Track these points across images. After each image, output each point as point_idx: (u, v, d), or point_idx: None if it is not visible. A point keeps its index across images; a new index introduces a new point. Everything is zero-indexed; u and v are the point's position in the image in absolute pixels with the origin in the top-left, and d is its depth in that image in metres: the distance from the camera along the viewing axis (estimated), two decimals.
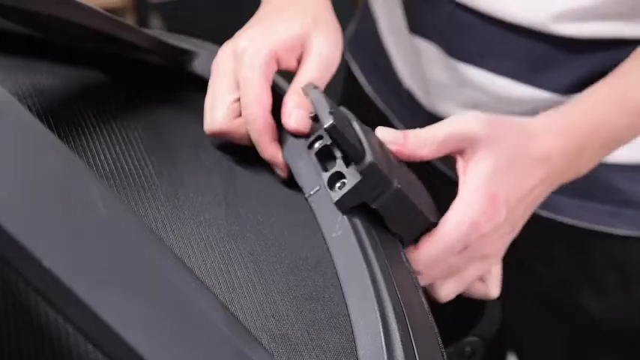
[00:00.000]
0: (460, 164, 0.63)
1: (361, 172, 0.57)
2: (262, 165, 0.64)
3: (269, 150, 0.63)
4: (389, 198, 0.58)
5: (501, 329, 0.75)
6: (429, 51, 0.86)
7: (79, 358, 0.44)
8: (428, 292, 0.66)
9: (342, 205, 0.58)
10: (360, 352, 0.51)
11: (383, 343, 0.50)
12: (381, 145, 0.61)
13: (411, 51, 0.89)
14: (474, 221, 0.61)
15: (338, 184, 0.58)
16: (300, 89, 0.62)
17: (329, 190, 0.59)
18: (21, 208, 0.38)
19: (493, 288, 0.69)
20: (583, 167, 0.70)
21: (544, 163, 0.65)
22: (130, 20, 2.29)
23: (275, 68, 0.64)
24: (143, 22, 2.32)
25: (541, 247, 0.88)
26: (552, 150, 0.65)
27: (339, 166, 0.59)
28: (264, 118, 0.62)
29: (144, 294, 0.40)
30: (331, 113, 0.56)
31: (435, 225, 0.61)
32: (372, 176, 0.57)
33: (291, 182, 0.63)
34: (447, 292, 0.65)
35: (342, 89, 1.07)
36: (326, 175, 0.59)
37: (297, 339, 0.52)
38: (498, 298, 0.71)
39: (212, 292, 0.50)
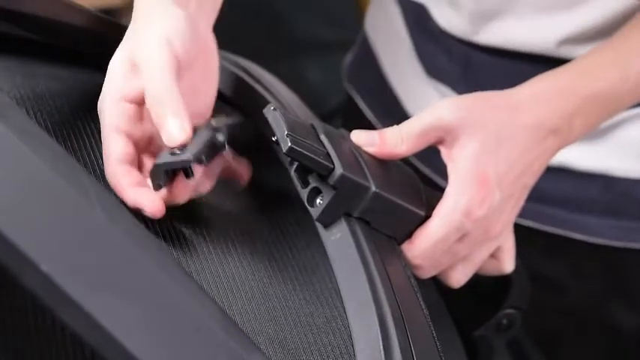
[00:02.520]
0: (444, 153, 0.63)
1: (333, 186, 0.56)
2: (260, 166, 0.64)
3: (130, 194, 0.56)
4: (369, 203, 0.57)
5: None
6: (443, 93, 0.86)
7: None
8: (441, 280, 0.65)
9: (324, 220, 0.58)
10: (359, 356, 0.51)
11: (381, 347, 0.50)
12: (358, 148, 0.61)
13: (424, 95, 0.88)
14: (466, 209, 0.60)
15: (318, 200, 0.58)
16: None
17: (309, 207, 0.58)
18: (19, 213, 0.38)
19: (506, 263, 0.67)
20: (578, 132, 0.67)
21: (538, 130, 0.64)
22: (129, 20, 2.28)
23: (125, 109, 0.58)
24: None
25: (573, 266, 0.87)
26: (544, 115, 0.64)
27: (316, 181, 0.58)
28: (114, 174, 0.56)
29: (141, 298, 0.40)
30: (288, 135, 0.56)
31: (427, 217, 0.61)
32: (345, 187, 0.56)
33: (288, 185, 0.63)
34: (457, 278, 0.65)
35: (344, 117, 1.06)
36: (305, 192, 0.59)
37: (295, 343, 0.52)
38: (523, 266, 0.71)
39: (210, 296, 0.50)
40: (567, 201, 0.83)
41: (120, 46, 0.61)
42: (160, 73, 0.57)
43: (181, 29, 0.59)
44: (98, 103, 0.59)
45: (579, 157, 0.80)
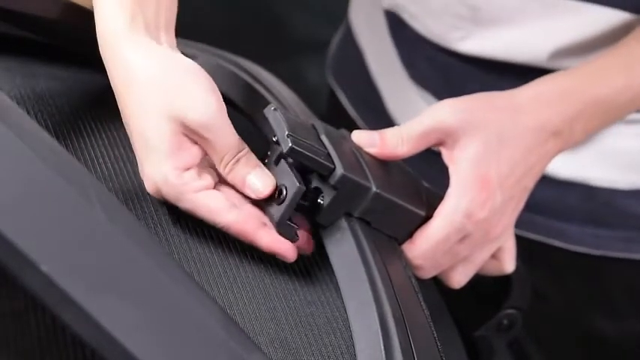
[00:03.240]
0: (445, 154, 0.63)
1: (334, 186, 0.56)
2: None
3: (265, 239, 0.57)
4: (370, 204, 0.57)
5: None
6: (427, 99, 0.86)
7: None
8: (442, 281, 0.65)
9: (325, 220, 0.58)
10: (360, 356, 0.51)
11: (382, 347, 0.50)
12: (358, 149, 0.61)
13: (408, 98, 0.88)
14: (467, 211, 0.60)
15: (318, 200, 0.58)
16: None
17: None
18: (19, 213, 0.38)
19: (507, 264, 0.68)
20: (579, 135, 0.67)
21: (540, 132, 0.64)
22: None
23: (193, 175, 0.56)
24: None
25: (552, 273, 0.88)
26: (546, 117, 0.64)
27: (316, 181, 0.58)
28: (237, 220, 0.56)
29: (142, 298, 0.40)
30: (289, 136, 0.56)
31: (428, 217, 0.61)
32: (346, 187, 0.56)
33: None
34: (458, 279, 0.65)
35: (326, 112, 1.05)
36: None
37: (296, 343, 0.52)
38: (524, 267, 0.71)
39: (211, 296, 0.50)
40: (548, 208, 0.83)
41: (148, 108, 0.55)
42: (229, 135, 0.57)
43: (195, 68, 0.58)
44: (151, 180, 0.56)
45: (561, 165, 0.80)
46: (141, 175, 0.57)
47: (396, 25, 0.87)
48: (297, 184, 0.56)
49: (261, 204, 0.58)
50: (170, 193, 0.56)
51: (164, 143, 0.55)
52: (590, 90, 0.66)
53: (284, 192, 0.56)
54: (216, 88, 0.57)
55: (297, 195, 0.56)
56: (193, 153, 0.56)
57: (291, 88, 0.76)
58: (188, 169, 0.56)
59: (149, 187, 0.57)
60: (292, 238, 0.57)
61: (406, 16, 0.84)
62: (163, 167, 0.55)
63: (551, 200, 0.83)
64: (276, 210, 0.56)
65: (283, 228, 0.56)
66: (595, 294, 0.88)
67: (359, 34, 0.96)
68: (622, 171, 0.81)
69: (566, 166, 0.81)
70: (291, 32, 1.79)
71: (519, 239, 0.81)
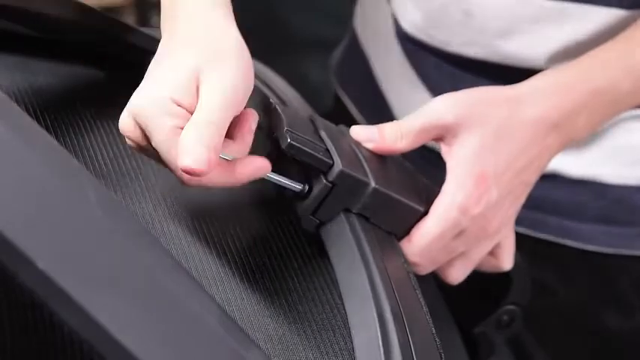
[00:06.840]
0: (444, 149, 0.63)
1: (332, 182, 0.56)
2: None
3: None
4: (368, 199, 0.57)
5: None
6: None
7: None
8: (439, 277, 0.65)
9: (323, 216, 0.58)
10: (358, 352, 0.51)
11: (380, 344, 0.50)
12: (357, 144, 0.61)
13: (415, 104, 0.88)
14: (463, 206, 0.60)
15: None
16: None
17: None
18: (15, 210, 0.38)
19: (505, 261, 0.67)
20: (582, 129, 0.67)
21: (539, 126, 0.64)
22: (130, 18, 2.28)
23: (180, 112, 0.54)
24: (143, 20, 2.31)
25: (562, 271, 0.87)
26: (545, 110, 0.64)
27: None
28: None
29: (138, 294, 0.40)
30: (287, 131, 0.56)
31: (427, 213, 0.61)
32: (345, 183, 0.57)
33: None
34: (456, 275, 0.65)
35: (333, 118, 1.05)
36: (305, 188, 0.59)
37: (294, 339, 0.52)
38: (524, 262, 0.71)
39: (208, 293, 0.50)
40: (560, 208, 0.83)
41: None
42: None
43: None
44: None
45: (572, 163, 0.80)
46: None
47: (402, 29, 0.87)
48: (324, 180, 0.56)
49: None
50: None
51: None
52: (590, 81, 0.66)
53: (306, 186, 0.57)
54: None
55: (323, 191, 0.56)
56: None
57: (293, 87, 0.76)
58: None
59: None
60: (312, 230, 0.58)
61: (399, 13, 0.84)
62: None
63: (564, 200, 0.83)
64: (299, 204, 0.57)
65: (306, 221, 0.57)
66: (605, 291, 0.87)
67: (364, 40, 0.95)
68: (634, 167, 0.81)
69: (577, 165, 0.81)
70: (293, 32, 1.79)
71: (529, 239, 0.80)
